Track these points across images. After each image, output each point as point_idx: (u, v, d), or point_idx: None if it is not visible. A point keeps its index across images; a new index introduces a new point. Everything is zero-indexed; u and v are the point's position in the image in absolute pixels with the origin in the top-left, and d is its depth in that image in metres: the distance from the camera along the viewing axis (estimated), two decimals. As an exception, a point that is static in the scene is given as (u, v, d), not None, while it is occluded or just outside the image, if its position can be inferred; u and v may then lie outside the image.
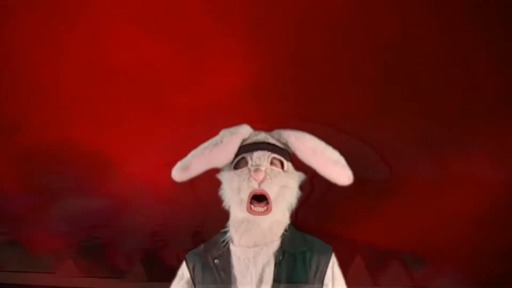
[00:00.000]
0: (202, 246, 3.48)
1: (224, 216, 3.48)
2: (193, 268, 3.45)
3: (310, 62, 5.01)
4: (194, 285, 3.43)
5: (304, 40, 5.18)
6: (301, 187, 3.48)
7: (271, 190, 3.36)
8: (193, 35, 5.24)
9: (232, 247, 3.40)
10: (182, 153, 3.46)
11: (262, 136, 3.49)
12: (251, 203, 3.34)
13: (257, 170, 3.36)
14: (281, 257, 3.35)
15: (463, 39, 5.25)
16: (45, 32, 5.46)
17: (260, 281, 3.33)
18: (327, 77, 4.48)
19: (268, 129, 3.57)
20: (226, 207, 3.45)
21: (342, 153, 3.47)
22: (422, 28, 5.27)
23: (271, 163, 3.42)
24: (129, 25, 5.33)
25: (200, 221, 5.29)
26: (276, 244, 3.39)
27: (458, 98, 5.29)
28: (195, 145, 3.44)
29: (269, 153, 3.42)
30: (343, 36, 5.21)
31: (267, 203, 3.34)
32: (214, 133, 3.50)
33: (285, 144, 3.48)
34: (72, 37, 5.42)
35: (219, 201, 3.46)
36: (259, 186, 3.35)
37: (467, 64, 5.25)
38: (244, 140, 3.48)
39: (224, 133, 3.49)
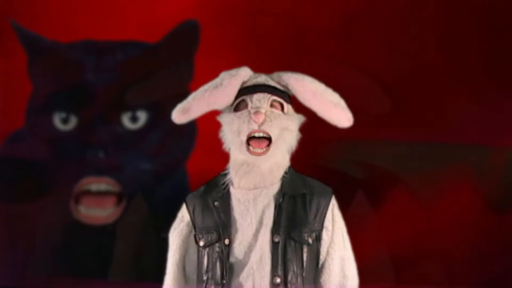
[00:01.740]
0: (202, 188, 3.48)
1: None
2: (193, 210, 3.45)
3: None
4: (194, 227, 3.44)
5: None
6: (301, 129, 3.48)
7: (271, 133, 3.36)
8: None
9: (232, 190, 3.40)
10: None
11: (262, 79, 3.47)
12: (249, 143, 3.34)
13: (257, 112, 3.35)
14: (281, 200, 3.36)
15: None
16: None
17: (260, 223, 3.33)
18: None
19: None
20: (226, 149, 3.46)
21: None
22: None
23: (271, 105, 3.41)
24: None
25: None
26: (276, 186, 3.39)
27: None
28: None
29: (269, 95, 3.41)
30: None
31: (267, 145, 3.34)
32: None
33: (285, 87, 3.46)
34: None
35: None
36: (259, 128, 3.35)
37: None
38: (244, 83, 3.46)
39: (224, 75, 3.47)
